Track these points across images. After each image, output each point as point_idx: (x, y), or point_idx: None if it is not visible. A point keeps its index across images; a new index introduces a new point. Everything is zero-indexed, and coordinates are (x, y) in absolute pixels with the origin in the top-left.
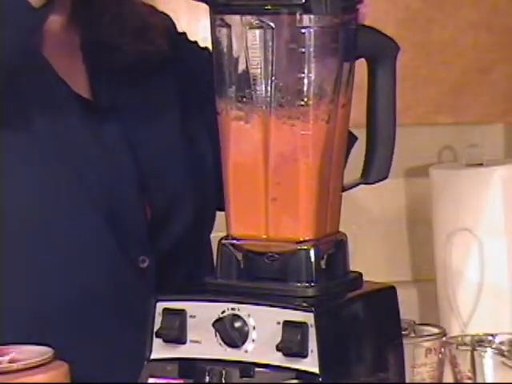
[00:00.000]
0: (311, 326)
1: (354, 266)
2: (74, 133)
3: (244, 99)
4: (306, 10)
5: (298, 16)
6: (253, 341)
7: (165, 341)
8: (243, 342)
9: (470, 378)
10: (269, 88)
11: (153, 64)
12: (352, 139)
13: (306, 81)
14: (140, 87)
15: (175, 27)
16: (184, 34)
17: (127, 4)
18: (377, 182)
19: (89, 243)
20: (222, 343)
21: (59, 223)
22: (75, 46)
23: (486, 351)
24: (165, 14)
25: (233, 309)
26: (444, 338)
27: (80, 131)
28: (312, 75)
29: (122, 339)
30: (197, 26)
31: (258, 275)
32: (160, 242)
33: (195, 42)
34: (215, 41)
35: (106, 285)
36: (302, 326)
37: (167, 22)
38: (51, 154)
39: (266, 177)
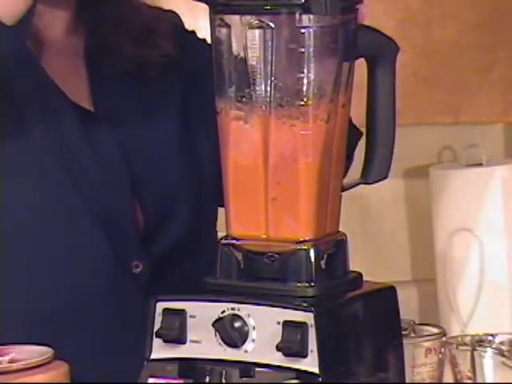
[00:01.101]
0: (311, 326)
1: (354, 266)
2: (70, 140)
3: (243, 99)
4: (306, 9)
5: (297, 16)
6: (253, 341)
7: (165, 341)
8: (243, 342)
9: (470, 378)
10: (268, 88)
11: (157, 68)
12: (356, 134)
13: (305, 81)
14: (142, 92)
15: (183, 26)
16: (193, 32)
17: (131, 8)
18: (377, 182)
19: (85, 247)
20: (222, 343)
21: (57, 226)
22: (79, 51)
23: (486, 351)
24: (173, 13)
25: (233, 309)
26: (444, 338)
27: (77, 139)
28: (311, 75)
29: (122, 340)
30: (196, 26)
31: (258, 275)
32: (156, 246)
33: (204, 40)
34: (215, 41)
35: (103, 287)
36: (302, 326)
37: (174, 21)
38: (49, 161)
39: (266, 177)
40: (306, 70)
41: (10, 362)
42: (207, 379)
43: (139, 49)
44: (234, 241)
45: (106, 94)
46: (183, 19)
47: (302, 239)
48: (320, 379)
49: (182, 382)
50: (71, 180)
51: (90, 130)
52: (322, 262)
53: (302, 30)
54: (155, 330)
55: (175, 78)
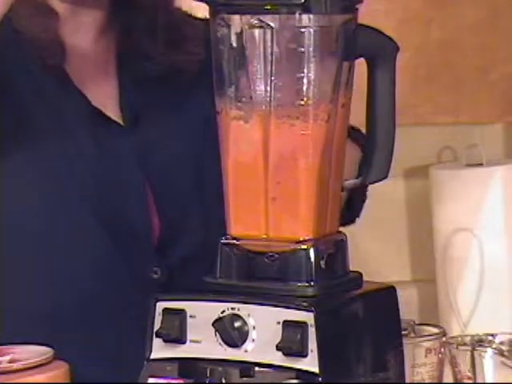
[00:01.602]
0: (311, 325)
1: (354, 265)
2: (86, 148)
3: (243, 99)
4: (306, 9)
5: (297, 16)
6: (253, 340)
7: (165, 341)
8: (243, 342)
9: (470, 378)
10: (268, 88)
11: (189, 74)
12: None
13: (305, 80)
14: (170, 98)
15: None
16: None
17: (165, 12)
18: (376, 182)
19: (95, 253)
20: (222, 343)
21: (64, 232)
22: (109, 56)
23: (485, 351)
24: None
25: (233, 308)
26: (444, 338)
27: (94, 147)
28: (311, 75)
29: (124, 340)
30: None
31: (258, 275)
32: (173, 251)
33: None
34: (215, 41)
35: (108, 289)
36: (301, 325)
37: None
38: (63, 168)
39: (266, 176)
40: (305, 70)
41: (9, 362)
42: (207, 379)
43: (173, 54)
44: (234, 241)
45: (133, 101)
46: None
47: (301, 239)
48: (320, 379)
49: (181, 381)
50: (81, 183)
51: (109, 137)
52: (322, 262)
53: (302, 30)
54: (155, 330)
55: (202, 82)
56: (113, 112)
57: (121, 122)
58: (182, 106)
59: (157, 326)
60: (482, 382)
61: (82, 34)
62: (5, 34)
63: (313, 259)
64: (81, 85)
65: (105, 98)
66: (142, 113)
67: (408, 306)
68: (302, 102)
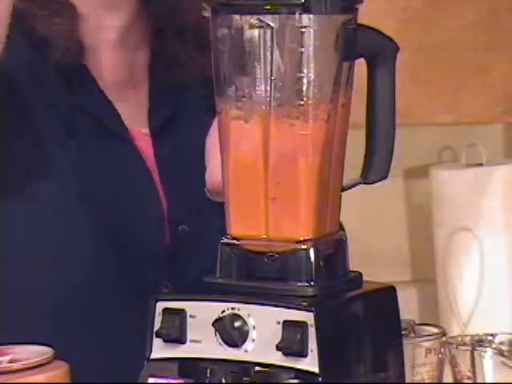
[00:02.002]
0: (311, 325)
1: (354, 265)
2: (88, 149)
3: (243, 99)
4: (306, 9)
5: (297, 16)
6: (253, 340)
7: (165, 341)
8: (243, 342)
9: (469, 378)
10: (268, 88)
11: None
12: None
13: (305, 80)
14: (195, 107)
15: None
16: None
17: (194, 15)
18: (376, 182)
19: (96, 254)
20: (222, 343)
21: (65, 232)
22: (140, 62)
23: (485, 351)
24: None
25: (233, 308)
26: (444, 338)
27: (107, 163)
28: (311, 75)
29: (124, 340)
30: None
31: (258, 275)
32: (186, 266)
33: None
34: (215, 40)
35: (113, 292)
36: (301, 325)
37: None
38: (62, 168)
39: (266, 176)
40: (305, 70)
41: (10, 362)
42: (207, 379)
43: (201, 58)
44: (234, 241)
45: (162, 112)
46: None
47: (301, 239)
48: (320, 379)
49: (182, 381)
50: (83, 184)
51: (129, 153)
52: (322, 262)
53: (302, 30)
54: (155, 330)
55: None
56: (139, 117)
57: (147, 128)
58: (206, 116)
59: (157, 326)
60: (482, 382)
61: (109, 26)
62: (13, 36)
63: (313, 259)
64: (103, 84)
65: (131, 102)
66: (169, 122)
67: (408, 305)
68: (302, 102)
